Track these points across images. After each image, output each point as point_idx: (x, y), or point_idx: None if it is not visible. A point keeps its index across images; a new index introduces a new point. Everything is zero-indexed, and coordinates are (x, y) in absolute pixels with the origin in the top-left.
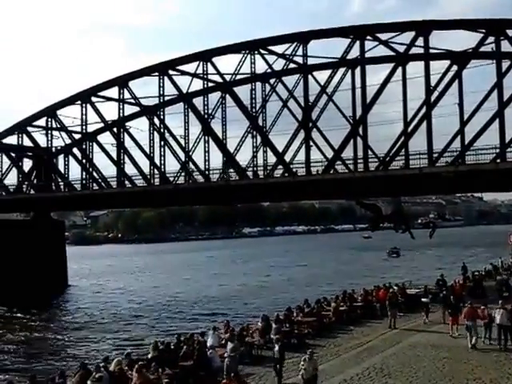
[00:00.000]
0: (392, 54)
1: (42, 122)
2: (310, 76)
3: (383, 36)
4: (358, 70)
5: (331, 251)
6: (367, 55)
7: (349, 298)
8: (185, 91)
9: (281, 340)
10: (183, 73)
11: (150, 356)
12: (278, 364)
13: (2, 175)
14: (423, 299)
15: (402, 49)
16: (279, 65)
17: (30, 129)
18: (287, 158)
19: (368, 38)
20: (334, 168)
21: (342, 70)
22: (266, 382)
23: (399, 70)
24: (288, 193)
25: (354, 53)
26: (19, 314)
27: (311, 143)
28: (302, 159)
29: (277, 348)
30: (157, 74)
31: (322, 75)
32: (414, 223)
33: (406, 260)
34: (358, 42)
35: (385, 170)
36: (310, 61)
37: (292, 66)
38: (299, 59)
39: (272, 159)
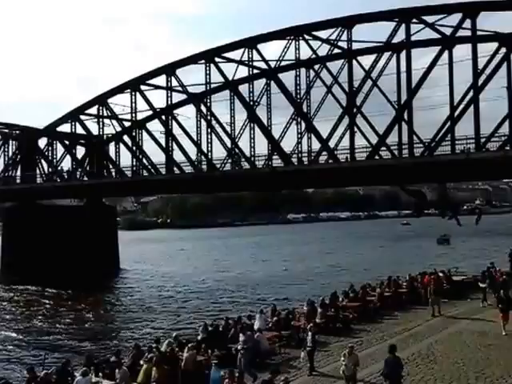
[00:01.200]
0: (438, 36)
1: (93, 110)
2: (354, 61)
3: (429, 19)
4: (403, 54)
5: (375, 237)
6: (413, 38)
7: (394, 284)
8: (230, 78)
9: (314, 328)
10: (229, 60)
11: (199, 338)
12: (311, 353)
13: (57, 162)
14: (481, 284)
15: (448, 31)
16: (324, 50)
17: (82, 117)
18: (331, 144)
19: (414, 20)
20: (378, 154)
21: (386, 55)
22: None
23: (445, 54)
24: (332, 179)
25: (400, 36)
26: (74, 296)
27: (355, 129)
28: (346, 145)
29: (309, 337)
30: (203, 61)
31: (367, 60)
32: (459, 209)
33: (454, 247)
34: (403, 26)
35: (430, 156)
36: (355, 45)
37: (336, 51)
38: (344, 44)
39: (316, 145)
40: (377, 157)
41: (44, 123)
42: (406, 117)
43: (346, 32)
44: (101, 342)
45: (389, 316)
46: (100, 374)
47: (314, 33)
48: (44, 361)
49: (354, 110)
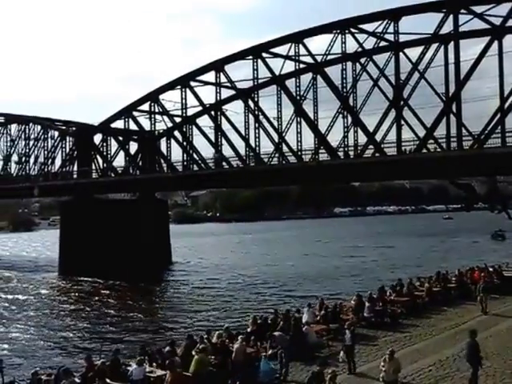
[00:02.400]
0: (487, 27)
1: (145, 106)
2: (401, 53)
3: (478, 9)
4: (451, 45)
5: (422, 232)
6: (461, 29)
7: (443, 279)
8: (277, 73)
9: (352, 326)
10: (276, 55)
11: (249, 330)
12: (349, 351)
13: (111, 158)
14: None
15: (497, 21)
16: (370, 43)
17: (135, 113)
18: (378, 137)
19: (462, 11)
20: (426, 147)
21: (434, 46)
22: (360, 360)
23: (495, 44)
24: (379, 172)
25: (448, 27)
26: (128, 288)
27: (402, 122)
28: (393, 138)
29: (348, 335)
30: (251, 57)
31: (414, 52)
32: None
33: (507, 243)
34: (451, 16)
35: (480, 149)
36: (402, 38)
37: (383, 43)
38: (390, 37)
39: (363, 139)
40: (424, 150)
41: (99, 120)
42: (454, 109)
43: (392, 24)
44: (154, 332)
45: (437, 311)
46: (154, 363)
47: (361, 26)
48: (100, 350)
49: (401, 102)
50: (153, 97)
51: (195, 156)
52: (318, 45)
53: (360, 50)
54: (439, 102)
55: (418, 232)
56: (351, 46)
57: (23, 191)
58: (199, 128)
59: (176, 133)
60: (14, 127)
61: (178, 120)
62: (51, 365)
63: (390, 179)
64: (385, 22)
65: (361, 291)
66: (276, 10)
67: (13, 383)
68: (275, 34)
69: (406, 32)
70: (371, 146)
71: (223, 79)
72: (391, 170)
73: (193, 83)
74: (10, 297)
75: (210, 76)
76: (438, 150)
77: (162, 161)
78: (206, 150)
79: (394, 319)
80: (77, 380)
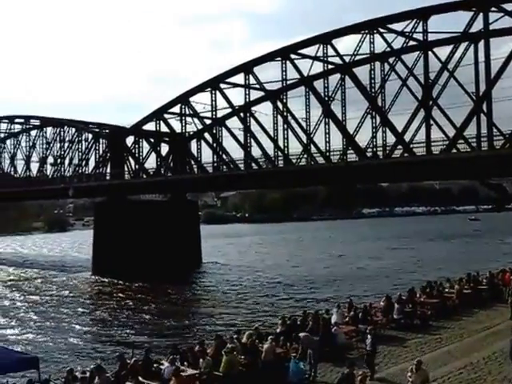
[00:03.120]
0: None
1: (176, 109)
2: (430, 52)
3: (508, 6)
4: (481, 44)
5: (449, 233)
6: (491, 27)
7: (473, 281)
8: (306, 74)
9: (374, 331)
10: (304, 56)
11: (278, 330)
12: (370, 357)
13: (143, 159)
14: None
15: None
16: (398, 43)
17: (166, 116)
18: (407, 137)
19: (492, 9)
20: (456, 147)
21: (464, 45)
22: (390, 361)
23: None
24: (408, 173)
25: (478, 25)
26: (160, 289)
27: (432, 122)
28: (422, 138)
29: (369, 340)
30: (279, 58)
31: (443, 51)
32: None
33: None
34: (481, 14)
35: (511, 148)
36: (431, 37)
37: (412, 43)
38: (419, 36)
39: (391, 139)
40: (454, 150)
41: (131, 122)
42: (484, 108)
43: (421, 23)
44: (185, 332)
45: (468, 313)
46: (185, 362)
47: (389, 25)
48: (133, 349)
49: (430, 102)
50: (183, 99)
51: (225, 157)
52: (347, 45)
53: (388, 49)
54: (469, 101)
55: (446, 233)
56: (379, 46)
57: (58, 192)
58: (229, 129)
59: (206, 134)
60: (49, 130)
61: (207, 122)
62: (85, 363)
63: (419, 180)
64: (413, 22)
65: (390, 293)
66: (302, 11)
67: (48, 381)
68: (302, 35)
69: (435, 31)
70: (400, 146)
71: (252, 81)
72: (420, 171)
73: (222, 85)
74: (44, 296)
75: (239, 78)
76: (468, 149)
77: (193, 162)
78: (236, 151)
79: (424, 321)
80: (110, 378)
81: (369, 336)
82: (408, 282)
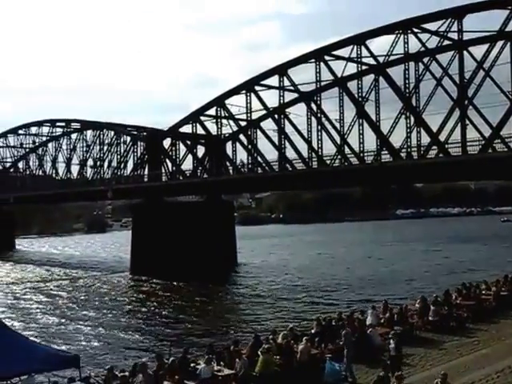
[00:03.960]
0: None
1: (212, 111)
2: (465, 52)
3: None
4: None
5: (486, 234)
6: None
7: (510, 283)
8: (339, 75)
9: (397, 335)
10: (338, 57)
11: (313, 331)
12: (394, 362)
13: (179, 161)
14: None
15: None
16: (433, 43)
17: (202, 118)
18: (442, 137)
19: None
20: (492, 147)
21: (500, 44)
22: (427, 363)
23: None
24: (443, 173)
25: None
26: (196, 289)
27: (467, 121)
28: (457, 138)
29: (392, 344)
30: (313, 60)
31: (479, 50)
32: None
33: None
34: None
35: None
36: (466, 36)
37: (446, 42)
38: (454, 35)
39: (426, 139)
40: (490, 150)
41: (166, 124)
42: None
43: (456, 22)
44: (221, 332)
45: (506, 316)
46: (221, 362)
47: (423, 25)
48: (170, 349)
49: (466, 101)
50: (219, 102)
51: (259, 158)
52: (380, 46)
53: (423, 49)
54: (505, 100)
55: (481, 234)
56: (414, 46)
57: (98, 194)
58: (263, 131)
59: (241, 136)
60: (89, 133)
61: (242, 124)
62: (124, 362)
63: (455, 180)
64: (448, 21)
65: (424, 295)
66: (334, 12)
67: (88, 379)
68: (335, 37)
69: (470, 30)
70: (435, 147)
71: (286, 83)
72: (456, 171)
73: (257, 87)
74: (84, 296)
75: (273, 80)
76: (505, 149)
77: (228, 163)
78: (270, 153)
79: (460, 323)
80: (140, 378)
81: (391, 341)
82: (442, 284)
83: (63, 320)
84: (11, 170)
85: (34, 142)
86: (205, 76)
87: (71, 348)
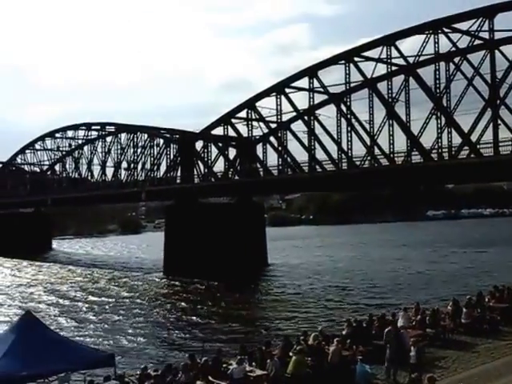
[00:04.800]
0: None
1: (243, 113)
2: (497, 51)
3: None
4: None
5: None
6: None
7: None
8: (369, 77)
9: (418, 344)
10: (367, 59)
11: (344, 332)
12: (415, 371)
13: (211, 163)
14: None
15: None
16: (464, 42)
17: (233, 120)
18: (473, 138)
19: None
20: None
21: None
22: (459, 366)
23: None
24: (474, 174)
25: None
26: (228, 290)
27: (499, 121)
28: (489, 139)
29: (413, 352)
30: (343, 61)
31: (510, 49)
32: None
33: None
34: None
35: None
36: (497, 35)
37: (477, 42)
38: (485, 34)
39: (457, 140)
40: None
41: (195, 127)
42: None
43: (487, 22)
44: (252, 332)
45: None
46: (253, 363)
47: (454, 25)
48: (203, 349)
49: (498, 101)
50: (249, 104)
51: (289, 160)
52: (411, 46)
53: (453, 49)
54: None
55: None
56: (444, 46)
57: (132, 196)
58: (293, 133)
59: (271, 138)
60: (123, 136)
61: (273, 126)
62: (157, 361)
63: (487, 181)
64: (479, 20)
65: (456, 297)
66: (363, 13)
67: (123, 377)
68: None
69: (501, 29)
70: (466, 147)
71: (316, 84)
72: (488, 172)
73: (287, 89)
74: (118, 295)
75: (303, 82)
76: None
77: (259, 165)
78: (300, 154)
79: (493, 326)
80: (181, 377)
81: (412, 348)
82: (474, 287)
83: (97, 320)
84: (48, 172)
85: (70, 145)
86: (235, 78)
87: (105, 346)
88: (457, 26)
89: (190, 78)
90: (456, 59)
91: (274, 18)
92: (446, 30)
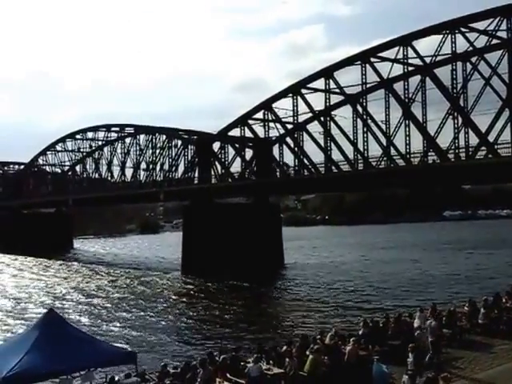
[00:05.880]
0: None
1: (259, 115)
2: None
3: None
4: None
5: None
6: None
7: None
8: (385, 77)
9: (416, 349)
10: (384, 59)
11: (360, 332)
12: (413, 379)
13: (228, 164)
14: None
15: None
16: (481, 42)
17: (250, 121)
18: (491, 138)
19: None
20: None
21: None
22: (476, 367)
23: None
24: (492, 175)
25: None
26: (245, 289)
27: None
28: (507, 139)
29: (410, 358)
30: (359, 62)
31: None
32: None
33: None
34: None
35: None
36: None
37: (495, 41)
38: (503, 34)
39: (474, 140)
40: None
41: (212, 128)
42: None
43: (505, 21)
44: (269, 331)
45: None
46: (270, 361)
47: (471, 25)
48: (221, 347)
49: None
50: (266, 105)
51: (305, 161)
52: (427, 46)
53: (471, 49)
54: None
55: None
56: (461, 46)
57: (150, 196)
58: (309, 134)
59: (288, 139)
60: (142, 137)
61: (289, 127)
62: (177, 359)
63: (505, 182)
64: (497, 19)
65: (472, 298)
66: (379, 14)
67: (144, 374)
68: (381, 38)
69: None
70: (483, 147)
71: (332, 85)
72: (505, 172)
73: (303, 90)
74: (137, 294)
75: (319, 83)
76: None
77: (275, 166)
78: (316, 155)
79: (510, 327)
80: (200, 372)
81: (410, 354)
82: (491, 288)
83: (118, 318)
84: (69, 173)
85: (90, 147)
86: (252, 81)
87: (126, 344)
88: (474, 25)
89: (205, 79)
90: (473, 59)
91: (290, 17)
92: (463, 30)
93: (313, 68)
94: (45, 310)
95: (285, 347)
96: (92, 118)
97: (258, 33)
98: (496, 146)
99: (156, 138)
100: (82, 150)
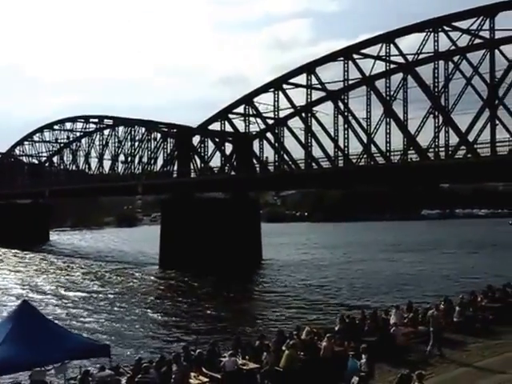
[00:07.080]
0: None
1: (240, 109)
2: (496, 50)
3: None
4: None
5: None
6: None
7: None
8: (367, 74)
9: (369, 350)
10: (366, 56)
11: (336, 328)
12: (364, 380)
13: (208, 158)
14: None
15: None
16: (463, 41)
17: (230, 116)
18: (471, 137)
19: None
20: None
21: None
22: (450, 365)
23: None
24: (471, 174)
25: None
26: (222, 284)
27: (497, 121)
28: (486, 139)
29: (364, 360)
30: (341, 58)
31: (511, 49)
32: None
33: None
34: None
35: None
36: (498, 34)
37: (477, 41)
38: (485, 34)
39: (454, 139)
40: None
41: (195, 122)
42: None
43: (488, 21)
44: (245, 326)
45: None
46: (246, 356)
47: (454, 23)
48: (197, 341)
49: (496, 101)
50: (247, 100)
51: (286, 157)
52: (410, 44)
53: (453, 48)
54: None
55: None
56: (444, 45)
57: (129, 189)
58: (290, 129)
59: (268, 134)
60: (121, 129)
61: (270, 122)
62: (151, 353)
63: (483, 181)
64: (480, 19)
65: (448, 296)
66: (364, 11)
67: (118, 368)
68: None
69: (502, 28)
70: (463, 147)
71: (314, 81)
72: (484, 172)
73: (285, 86)
74: (114, 288)
75: (301, 78)
76: None
77: (255, 161)
78: (297, 151)
79: (485, 325)
80: (174, 368)
81: (363, 356)
82: (467, 287)
83: (93, 311)
84: (46, 164)
85: (68, 138)
86: (234, 75)
87: (100, 337)
88: (457, 24)
89: (188, 73)
90: (455, 58)
91: (275, 11)
92: (446, 29)
93: (299, 62)
94: (18, 302)
95: (258, 342)
96: (71, 109)
97: (243, 25)
98: (475, 146)
99: (135, 131)
100: (59, 140)
